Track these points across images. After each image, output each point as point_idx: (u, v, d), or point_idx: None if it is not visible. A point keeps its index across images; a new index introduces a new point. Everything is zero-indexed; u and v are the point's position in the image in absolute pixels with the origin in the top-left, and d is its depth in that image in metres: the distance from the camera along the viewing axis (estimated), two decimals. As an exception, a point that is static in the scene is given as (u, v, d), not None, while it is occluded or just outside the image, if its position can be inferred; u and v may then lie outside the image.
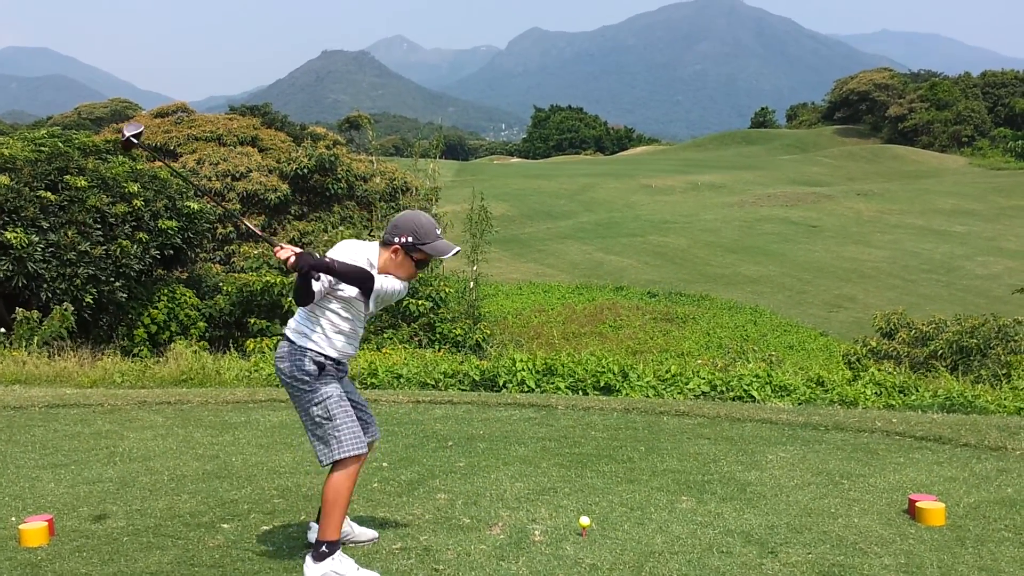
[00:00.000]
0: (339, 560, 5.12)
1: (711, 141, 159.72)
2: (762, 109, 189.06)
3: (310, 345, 5.17)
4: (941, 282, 50.19)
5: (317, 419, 5.20)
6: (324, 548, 5.12)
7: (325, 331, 5.17)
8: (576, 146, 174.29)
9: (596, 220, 71.98)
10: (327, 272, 4.94)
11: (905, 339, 23.44)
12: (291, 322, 5.34)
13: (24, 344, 14.79)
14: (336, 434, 5.18)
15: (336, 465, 5.18)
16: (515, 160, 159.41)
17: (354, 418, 5.29)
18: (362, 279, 5.05)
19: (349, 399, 5.38)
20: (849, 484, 6.85)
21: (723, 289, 48.89)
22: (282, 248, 4.92)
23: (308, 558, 5.15)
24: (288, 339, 5.24)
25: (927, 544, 5.58)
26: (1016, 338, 21.58)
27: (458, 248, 5.31)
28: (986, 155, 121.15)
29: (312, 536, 5.50)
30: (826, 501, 6.43)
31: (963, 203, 76.81)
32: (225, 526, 5.95)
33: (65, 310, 16.07)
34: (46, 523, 5.75)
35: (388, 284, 5.17)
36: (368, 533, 5.70)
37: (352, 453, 5.19)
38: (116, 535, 5.80)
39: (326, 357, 5.19)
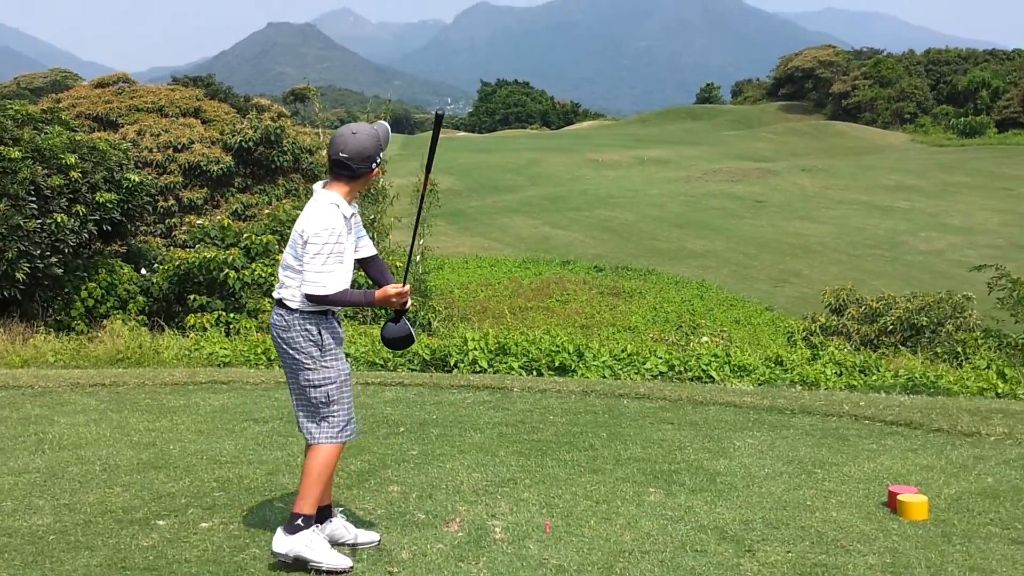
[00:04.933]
0: (313, 535, 4.82)
1: (657, 116, 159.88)
2: (707, 85, 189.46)
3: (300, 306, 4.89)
4: (886, 257, 50.44)
5: (314, 400, 4.91)
6: (299, 521, 4.82)
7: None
8: (523, 120, 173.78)
9: (542, 194, 71.62)
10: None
11: (855, 315, 23.34)
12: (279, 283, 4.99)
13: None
14: (331, 420, 4.95)
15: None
16: (461, 134, 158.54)
17: (352, 400, 5.06)
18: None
19: None
20: (823, 473, 6.54)
21: (669, 263, 48.81)
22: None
23: (280, 531, 4.84)
24: (284, 305, 4.91)
25: (912, 541, 5.27)
26: (965, 315, 21.56)
27: (384, 123, 4.99)
28: (928, 132, 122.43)
29: (329, 532, 5.12)
30: (800, 492, 6.11)
31: (906, 179, 77.37)
32: (160, 523, 5.52)
33: None
34: (-37, 522, 5.29)
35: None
36: (368, 535, 5.25)
37: (345, 441, 5.00)
38: (41, 533, 5.35)
39: (319, 313, 4.90)
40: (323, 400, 4.90)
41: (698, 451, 7.09)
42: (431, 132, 4.96)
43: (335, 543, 5.12)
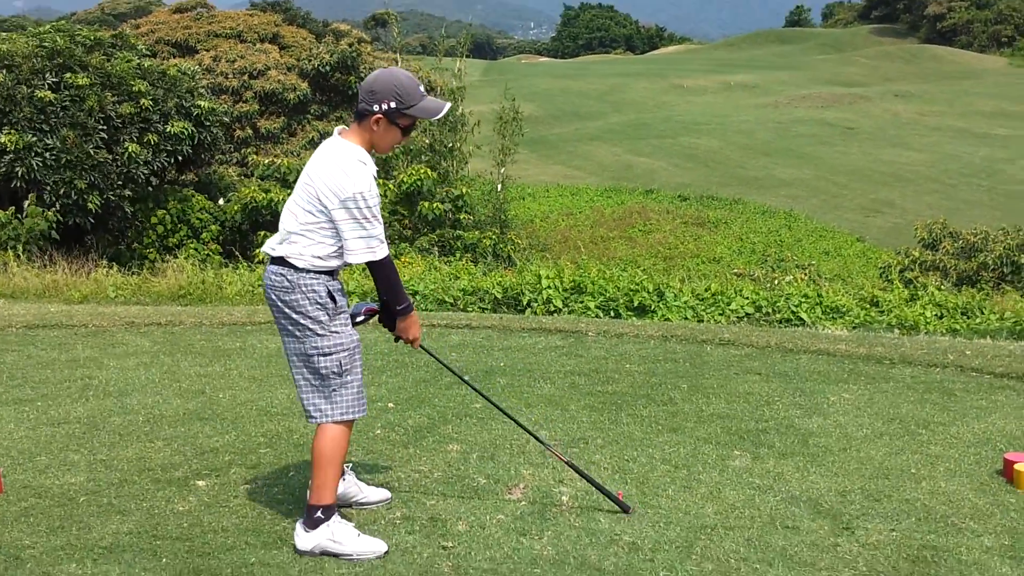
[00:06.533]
0: (336, 526, 4.29)
1: (744, 40, 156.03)
2: (797, 7, 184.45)
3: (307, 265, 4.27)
4: (982, 187, 48.59)
5: (323, 371, 4.31)
6: (319, 513, 4.29)
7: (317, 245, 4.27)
8: (606, 45, 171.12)
9: (626, 121, 70.26)
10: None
11: (950, 250, 22.32)
12: (279, 238, 4.38)
13: (11, 247, 13.91)
14: (343, 392, 4.34)
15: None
16: (543, 59, 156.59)
17: (361, 372, 4.43)
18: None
19: None
20: (928, 435, 5.90)
21: (756, 193, 47.52)
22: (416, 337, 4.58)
23: (299, 526, 4.33)
24: (287, 263, 4.28)
25: (1034, 519, 4.64)
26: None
27: (449, 104, 4.31)
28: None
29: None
30: (903, 457, 5.49)
31: (1004, 105, 74.42)
32: (200, 483, 5.08)
33: (34, 203, 15.13)
34: (-9, 479, 4.90)
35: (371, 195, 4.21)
36: (379, 493, 4.86)
37: (357, 417, 4.39)
38: (73, 493, 4.95)
39: (327, 273, 4.29)
40: (335, 370, 4.31)
41: (788, 407, 6.48)
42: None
43: (345, 503, 4.68)
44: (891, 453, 5.57)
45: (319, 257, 4.23)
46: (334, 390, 4.32)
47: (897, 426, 6.07)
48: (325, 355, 4.29)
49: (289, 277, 4.25)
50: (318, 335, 4.27)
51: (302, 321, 4.27)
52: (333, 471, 4.33)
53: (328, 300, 4.26)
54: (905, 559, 4.22)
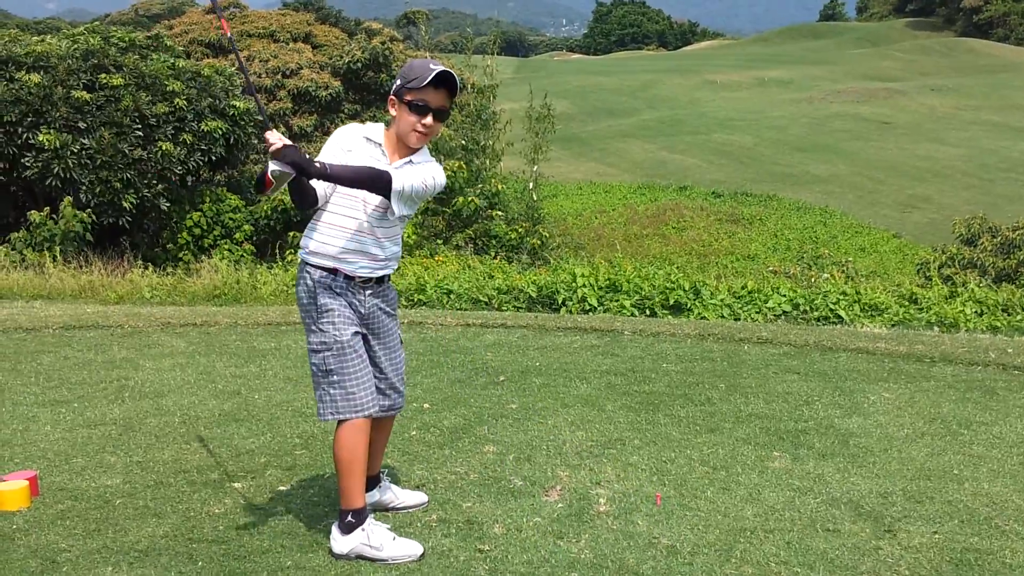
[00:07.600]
0: (372, 529, 4.26)
1: (778, 35, 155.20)
2: (831, 1, 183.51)
3: (305, 254, 4.34)
4: (1020, 181, 48.04)
5: (314, 367, 4.33)
6: (350, 518, 4.25)
7: (319, 228, 4.29)
8: (639, 41, 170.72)
9: (659, 117, 69.99)
10: (318, 178, 3.97)
11: (988, 247, 22.09)
12: None
13: (46, 248, 14.00)
14: (332, 392, 4.28)
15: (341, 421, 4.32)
16: (576, 56, 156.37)
17: (359, 372, 4.31)
18: (372, 179, 4.05)
19: (374, 358, 4.47)
20: (970, 435, 5.81)
21: (791, 189, 47.23)
22: (272, 132, 3.97)
23: (334, 529, 4.29)
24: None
25: (1082, 523, 4.55)
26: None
27: (440, 68, 4.14)
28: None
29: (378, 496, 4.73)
30: (946, 458, 5.41)
31: (1043, 98, 73.62)
32: (236, 485, 5.07)
33: (70, 205, 15.22)
34: (26, 483, 4.88)
35: (410, 177, 4.15)
36: (415, 497, 4.84)
37: (350, 417, 4.28)
38: (109, 496, 4.94)
39: (322, 268, 4.25)
40: (322, 368, 4.28)
41: (828, 407, 6.40)
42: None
43: (382, 509, 4.69)
44: (933, 454, 5.49)
45: (309, 237, 4.28)
46: (324, 388, 4.30)
47: (939, 426, 5.98)
48: (314, 351, 4.30)
49: (298, 266, 4.36)
50: (310, 330, 4.31)
51: (301, 314, 4.35)
52: (353, 474, 4.29)
53: (314, 295, 4.27)
54: (948, 562, 4.15)
